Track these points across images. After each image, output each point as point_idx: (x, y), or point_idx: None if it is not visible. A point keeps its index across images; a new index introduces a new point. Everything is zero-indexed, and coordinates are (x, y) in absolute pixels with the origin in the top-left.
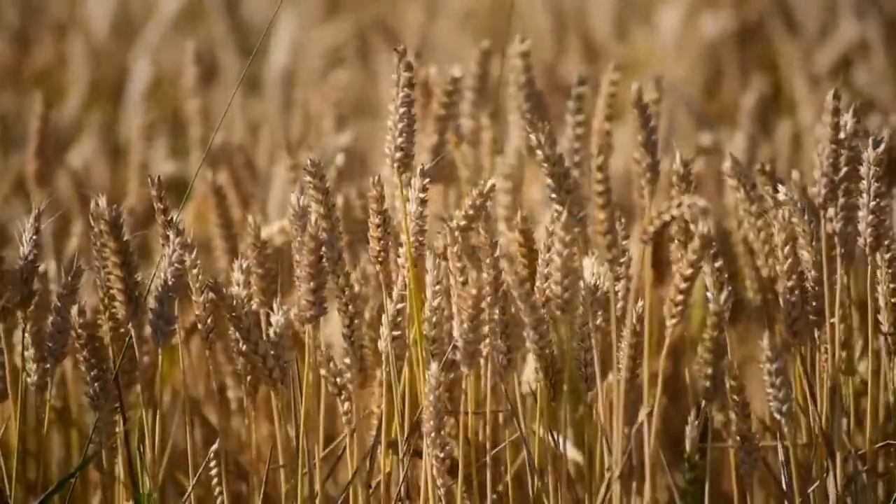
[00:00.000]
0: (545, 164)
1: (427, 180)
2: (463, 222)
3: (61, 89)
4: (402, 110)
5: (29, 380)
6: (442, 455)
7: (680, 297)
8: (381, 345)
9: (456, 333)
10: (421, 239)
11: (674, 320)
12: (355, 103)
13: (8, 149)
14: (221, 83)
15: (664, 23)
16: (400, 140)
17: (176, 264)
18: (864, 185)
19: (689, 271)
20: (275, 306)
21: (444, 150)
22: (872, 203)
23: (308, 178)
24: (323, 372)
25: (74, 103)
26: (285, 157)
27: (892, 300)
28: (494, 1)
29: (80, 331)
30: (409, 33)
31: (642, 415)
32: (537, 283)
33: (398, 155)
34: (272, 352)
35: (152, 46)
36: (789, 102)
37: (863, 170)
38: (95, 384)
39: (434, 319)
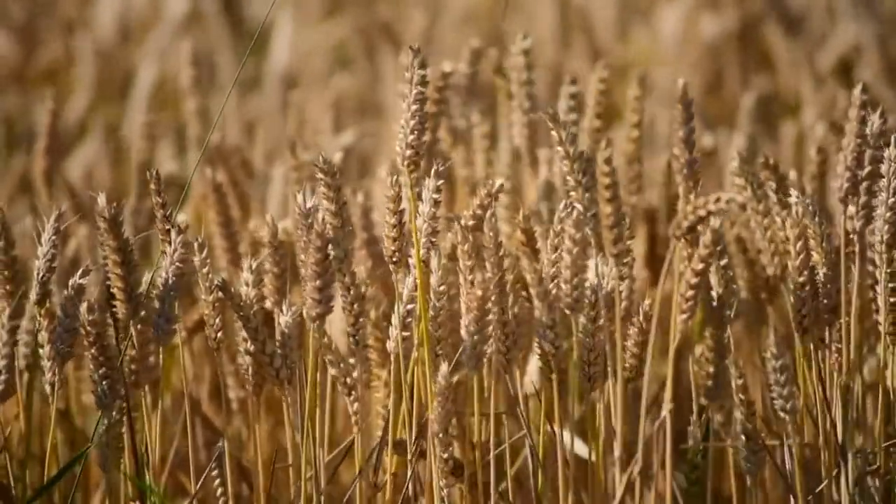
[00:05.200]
0: (566, 161)
1: (441, 181)
2: (472, 222)
3: (67, 89)
4: (414, 107)
5: (44, 379)
6: (445, 456)
7: (691, 293)
8: (390, 345)
9: (462, 333)
10: (433, 240)
11: (684, 315)
12: (357, 104)
13: (13, 149)
14: (225, 85)
15: (665, 23)
16: (412, 138)
17: (177, 263)
18: (883, 183)
19: (700, 266)
20: (284, 306)
21: (438, 148)
22: (892, 200)
23: (320, 176)
24: (333, 371)
25: (80, 103)
26: (284, 157)
27: (892, 300)
28: (496, 1)
29: (88, 328)
30: (411, 33)
31: (665, 411)
32: (550, 283)
33: (409, 153)
34: (279, 351)
35: (159, 49)
36: (788, 103)
37: (883, 168)
38: (103, 383)
39: (440, 320)
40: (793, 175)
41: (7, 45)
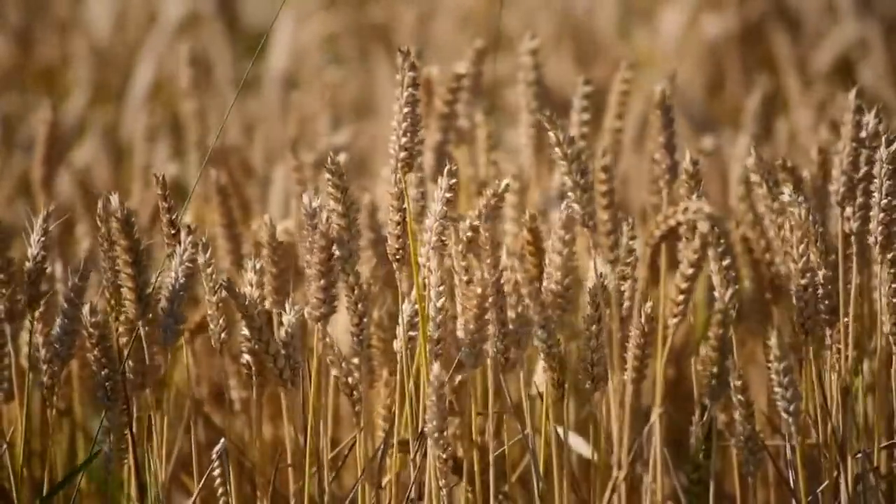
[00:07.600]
0: (563, 162)
1: (454, 181)
2: (477, 223)
3: (64, 90)
4: (405, 110)
5: (42, 381)
6: (444, 456)
7: (681, 297)
8: (396, 345)
9: (460, 333)
10: (444, 239)
11: (675, 319)
12: (353, 103)
13: (11, 149)
14: (221, 86)
15: (665, 23)
16: (404, 140)
17: (187, 263)
18: (876, 183)
19: (690, 270)
20: (286, 306)
21: (447, 149)
22: (884, 201)
23: (328, 176)
24: (335, 372)
25: (77, 104)
26: (284, 158)
27: (894, 300)
28: (493, 1)
29: (91, 330)
30: (407, 33)
31: (654, 416)
32: (544, 283)
33: (402, 155)
34: (283, 352)
35: (157, 50)
36: (787, 103)
37: (876, 168)
38: (106, 384)
39: (439, 319)
40: (807, 174)
41: (3, 46)
